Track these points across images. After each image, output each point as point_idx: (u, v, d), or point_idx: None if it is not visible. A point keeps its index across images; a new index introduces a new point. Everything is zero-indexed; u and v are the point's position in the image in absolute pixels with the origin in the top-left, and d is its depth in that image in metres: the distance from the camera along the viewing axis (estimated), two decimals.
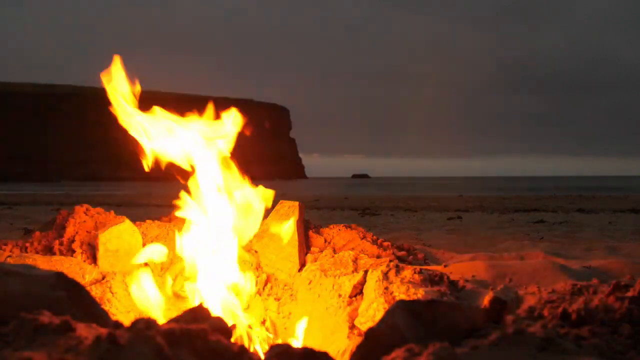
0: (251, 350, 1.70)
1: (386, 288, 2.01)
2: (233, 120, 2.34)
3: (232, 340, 1.12)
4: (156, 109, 2.24)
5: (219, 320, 1.18)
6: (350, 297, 2.23)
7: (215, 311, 2.16)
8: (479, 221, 7.51)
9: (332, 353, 1.12)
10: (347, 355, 1.93)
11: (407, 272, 2.04)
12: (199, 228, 2.35)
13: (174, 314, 1.68)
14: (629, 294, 1.20)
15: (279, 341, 2.32)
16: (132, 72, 2.24)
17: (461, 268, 2.28)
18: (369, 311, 2.03)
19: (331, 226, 2.80)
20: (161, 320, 1.90)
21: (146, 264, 2.63)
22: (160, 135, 2.25)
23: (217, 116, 2.34)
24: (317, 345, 2.15)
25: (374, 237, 2.76)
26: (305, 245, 2.67)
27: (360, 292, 2.23)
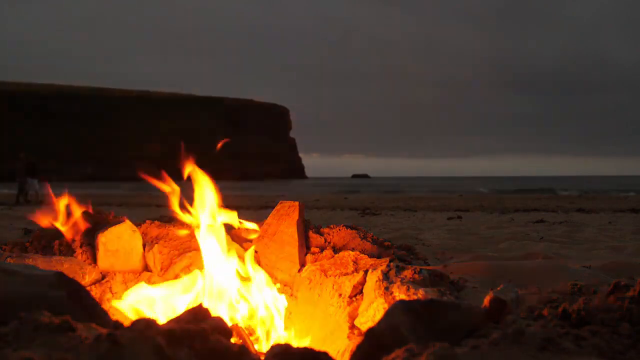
0: (251, 350, 1.70)
1: (386, 288, 2.01)
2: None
3: (232, 340, 1.12)
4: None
5: (219, 320, 1.17)
6: (350, 297, 2.23)
7: (215, 311, 2.16)
8: (479, 221, 7.51)
9: (332, 353, 1.12)
10: (347, 355, 1.93)
11: (407, 272, 2.04)
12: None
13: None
14: (629, 294, 1.20)
15: (279, 341, 2.32)
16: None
17: (461, 268, 2.28)
18: (369, 311, 2.03)
19: (331, 226, 2.80)
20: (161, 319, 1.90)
21: (147, 265, 2.64)
22: None
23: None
24: (317, 345, 2.15)
25: (374, 237, 2.76)
26: (305, 245, 2.67)
27: (361, 292, 2.23)
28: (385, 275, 2.06)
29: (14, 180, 16.41)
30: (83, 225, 2.65)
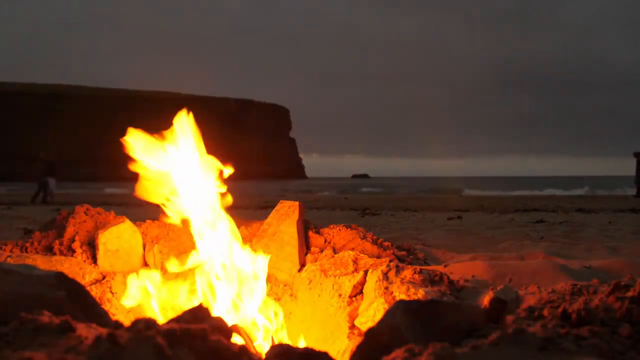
0: (251, 350, 1.70)
1: (386, 288, 2.01)
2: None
3: (232, 340, 1.12)
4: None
5: (219, 320, 1.17)
6: (351, 297, 2.23)
7: (215, 311, 2.16)
8: (479, 221, 7.51)
9: (332, 353, 1.12)
10: (347, 355, 1.93)
11: (407, 272, 2.04)
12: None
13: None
14: (629, 294, 1.20)
15: (279, 341, 2.32)
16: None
17: (461, 268, 2.28)
18: (369, 311, 2.03)
19: (331, 226, 2.80)
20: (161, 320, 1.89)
21: (147, 265, 2.63)
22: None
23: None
24: (317, 345, 2.16)
25: (374, 237, 2.76)
26: (305, 245, 2.67)
27: (361, 292, 2.23)
28: (385, 275, 2.06)
29: (31, 180, 16.32)
30: (83, 226, 2.65)
